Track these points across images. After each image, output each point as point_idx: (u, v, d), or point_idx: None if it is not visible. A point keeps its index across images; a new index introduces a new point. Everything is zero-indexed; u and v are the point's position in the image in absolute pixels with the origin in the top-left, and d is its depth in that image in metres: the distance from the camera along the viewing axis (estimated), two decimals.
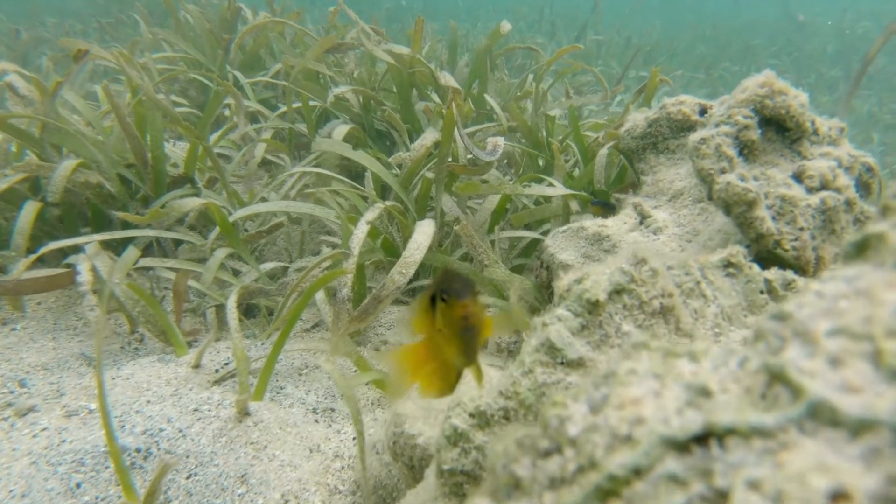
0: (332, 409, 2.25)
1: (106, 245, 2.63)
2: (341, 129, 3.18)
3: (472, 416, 1.11)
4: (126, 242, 2.74)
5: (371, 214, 2.44)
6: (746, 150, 1.69)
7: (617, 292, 1.15)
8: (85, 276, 2.29)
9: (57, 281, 2.46)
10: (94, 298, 2.28)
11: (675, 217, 2.19)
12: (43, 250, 2.40)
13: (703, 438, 0.44)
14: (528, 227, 3.15)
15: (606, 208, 2.54)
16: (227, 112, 4.28)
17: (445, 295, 0.96)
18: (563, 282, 1.17)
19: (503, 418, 1.09)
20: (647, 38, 12.35)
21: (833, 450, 0.41)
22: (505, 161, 4.20)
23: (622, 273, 1.17)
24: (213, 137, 3.71)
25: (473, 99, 4.07)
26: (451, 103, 2.58)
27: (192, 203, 2.59)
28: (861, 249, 0.53)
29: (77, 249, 2.55)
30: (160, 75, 4.05)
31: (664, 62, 10.58)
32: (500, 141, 2.76)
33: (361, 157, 2.92)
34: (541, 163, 3.68)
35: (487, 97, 3.89)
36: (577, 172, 3.42)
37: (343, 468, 1.97)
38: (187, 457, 1.84)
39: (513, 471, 0.64)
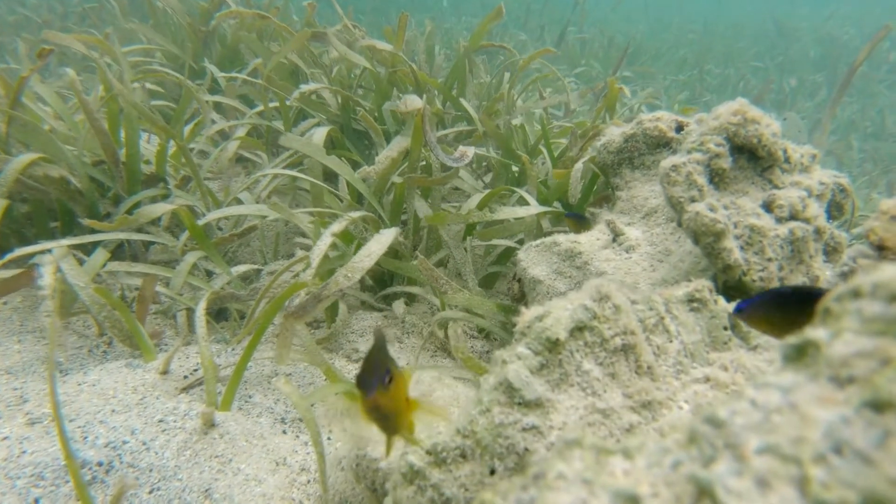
0: (300, 419, 2.23)
1: (77, 244, 2.59)
2: (320, 133, 3.14)
3: (428, 453, 1.10)
4: (96, 243, 2.70)
5: (337, 227, 2.42)
6: (717, 178, 1.69)
7: (579, 329, 1.15)
8: (47, 280, 2.23)
9: (14, 283, 2.40)
10: (51, 304, 2.23)
11: (647, 235, 2.20)
12: (8, 257, 2.35)
13: None
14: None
15: (581, 221, 2.54)
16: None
17: (360, 386, 1.05)
18: (524, 318, 1.17)
19: (460, 457, 1.09)
20: (630, 39, 12.36)
21: None
22: (484, 163, 4.19)
23: (584, 310, 1.16)
24: (185, 134, 3.66)
25: (452, 101, 4.05)
26: (419, 112, 2.57)
27: (162, 209, 2.55)
28: (800, 354, 0.53)
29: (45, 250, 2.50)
30: (135, 68, 3.99)
31: (647, 62, 10.61)
32: (470, 150, 2.76)
33: (334, 163, 2.89)
34: (514, 170, 3.67)
35: (464, 102, 3.88)
36: (548, 179, 3.41)
37: (309, 482, 1.96)
38: (150, 471, 1.82)
39: None
